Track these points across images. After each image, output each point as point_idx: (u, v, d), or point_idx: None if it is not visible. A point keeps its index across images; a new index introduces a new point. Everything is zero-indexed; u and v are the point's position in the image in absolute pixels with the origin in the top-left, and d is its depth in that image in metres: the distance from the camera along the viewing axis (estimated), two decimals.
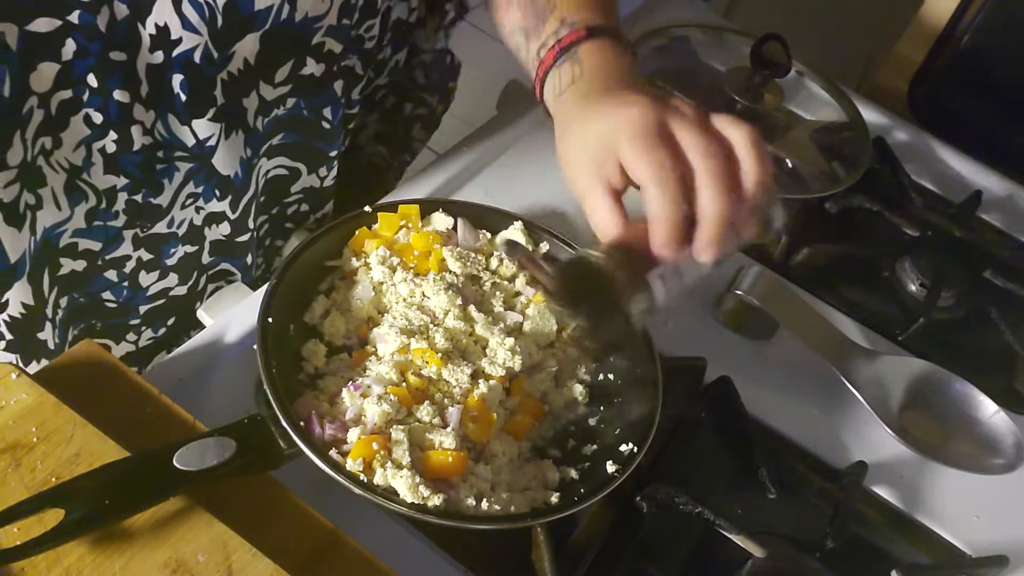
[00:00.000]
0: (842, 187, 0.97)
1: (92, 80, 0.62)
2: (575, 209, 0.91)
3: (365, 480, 0.59)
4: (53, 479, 0.56)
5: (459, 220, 0.76)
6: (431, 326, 0.68)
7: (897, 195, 1.05)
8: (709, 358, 0.78)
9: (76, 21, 0.59)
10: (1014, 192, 1.10)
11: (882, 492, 0.77)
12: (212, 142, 0.70)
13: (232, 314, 0.75)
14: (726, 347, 0.84)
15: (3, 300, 0.72)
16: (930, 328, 0.91)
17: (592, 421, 0.71)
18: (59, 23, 0.59)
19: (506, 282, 0.75)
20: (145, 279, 0.79)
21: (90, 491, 0.53)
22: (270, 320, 0.64)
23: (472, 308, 0.70)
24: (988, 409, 0.80)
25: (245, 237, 0.80)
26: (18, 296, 0.71)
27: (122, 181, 0.70)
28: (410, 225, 0.75)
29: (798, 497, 0.76)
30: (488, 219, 0.78)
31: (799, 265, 0.95)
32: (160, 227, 0.75)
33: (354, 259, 0.73)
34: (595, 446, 0.69)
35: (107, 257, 0.75)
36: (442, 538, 0.65)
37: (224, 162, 0.72)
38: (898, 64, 1.30)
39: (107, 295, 0.78)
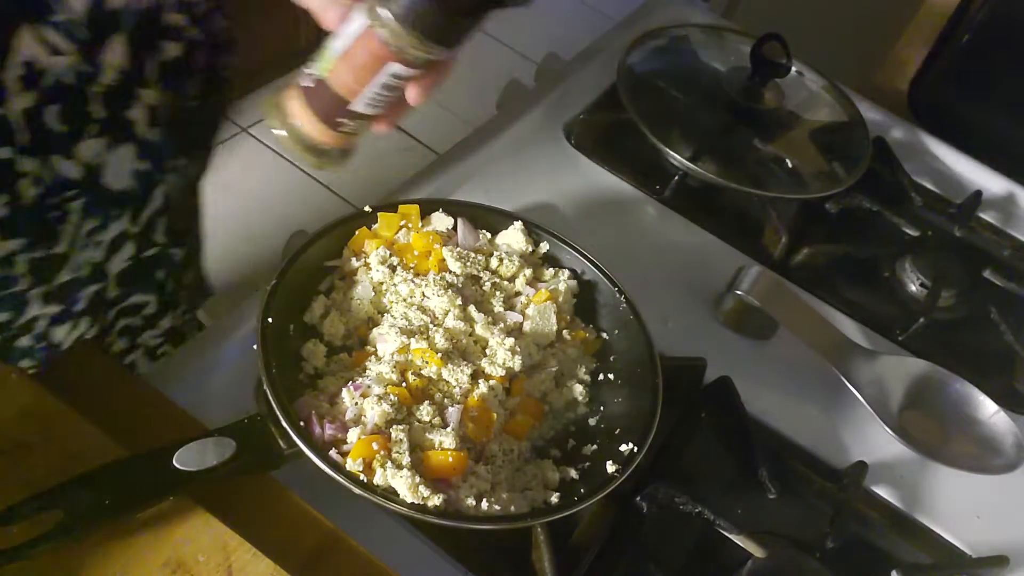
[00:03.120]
0: (842, 187, 0.98)
1: None
2: (574, 209, 0.91)
3: (365, 480, 0.59)
4: (53, 479, 0.56)
5: (459, 220, 0.76)
6: (431, 326, 0.68)
7: (897, 195, 1.05)
8: (709, 358, 0.78)
9: None
10: (1014, 192, 1.10)
11: (882, 492, 0.77)
12: (98, 160, 0.67)
13: (232, 314, 0.75)
14: (726, 347, 0.84)
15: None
16: (930, 328, 0.91)
17: (592, 421, 0.71)
18: None
19: (506, 282, 0.75)
20: (58, 333, 0.76)
21: (90, 491, 0.53)
22: (270, 320, 0.64)
23: (472, 308, 0.70)
24: (988, 409, 0.80)
25: (152, 251, 0.78)
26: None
27: (19, 243, 0.67)
28: (410, 225, 0.75)
29: (798, 497, 0.76)
30: (488, 219, 0.78)
31: (799, 265, 0.95)
32: (64, 275, 0.72)
33: (354, 259, 0.73)
34: (595, 446, 0.69)
35: (17, 324, 0.72)
36: (442, 538, 0.65)
37: (114, 177, 0.69)
38: (898, 64, 1.30)
39: (26, 363, 0.76)
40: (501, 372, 0.68)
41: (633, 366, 0.71)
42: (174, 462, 0.56)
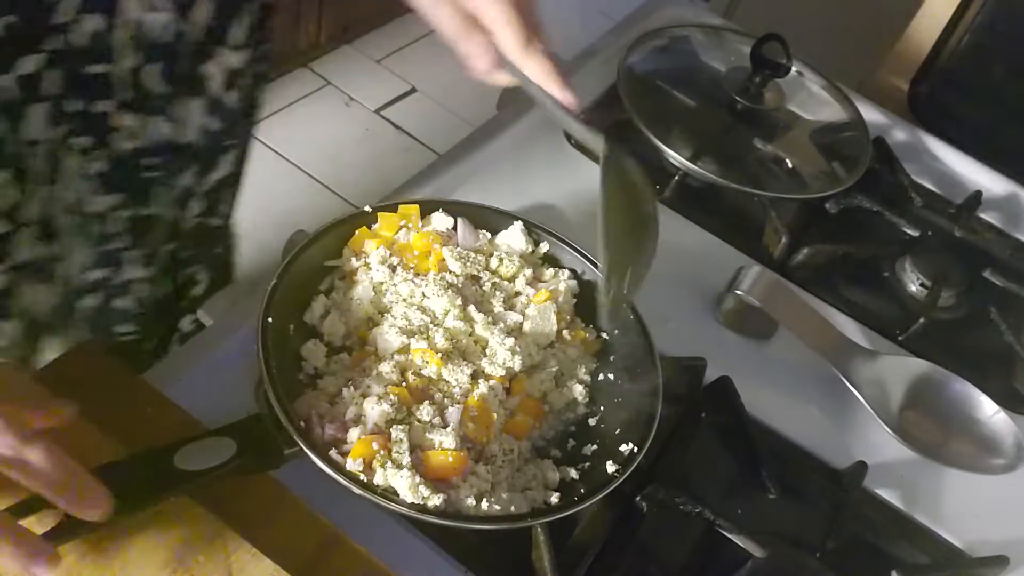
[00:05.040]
0: (842, 187, 0.98)
1: (75, 105, 0.61)
2: (574, 209, 0.91)
3: (365, 480, 0.59)
4: None
5: (459, 220, 0.76)
6: (431, 326, 0.68)
7: (897, 195, 1.05)
8: (709, 358, 0.78)
9: (57, 47, 0.58)
10: (1014, 192, 1.10)
11: (882, 492, 0.77)
12: (182, 114, 0.70)
13: (232, 314, 0.75)
14: (726, 347, 0.84)
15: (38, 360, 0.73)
16: (930, 328, 0.91)
17: (592, 421, 0.71)
18: (40, 58, 0.57)
19: (506, 282, 0.75)
20: (151, 295, 0.79)
21: None
22: (270, 320, 0.64)
23: (472, 308, 0.70)
24: (988, 409, 0.80)
25: (217, 222, 0.81)
26: (51, 352, 0.72)
27: (116, 199, 0.70)
28: (410, 225, 0.75)
29: (798, 497, 0.76)
30: (488, 219, 0.78)
31: (799, 265, 0.95)
32: (157, 236, 0.75)
33: (354, 259, 0.73)
34: (595, 446, 0.69)
35: (113, 283, 0.75)
36: (442, 538, 0.65)
37: (189, 129, 0.71)
38: (898, 64, 1.30)
39: (123, 328, 0.78)
40: (501, 372, 0.68)
41: (634, 366, 0.71)
42: (174, 462, 0.56)
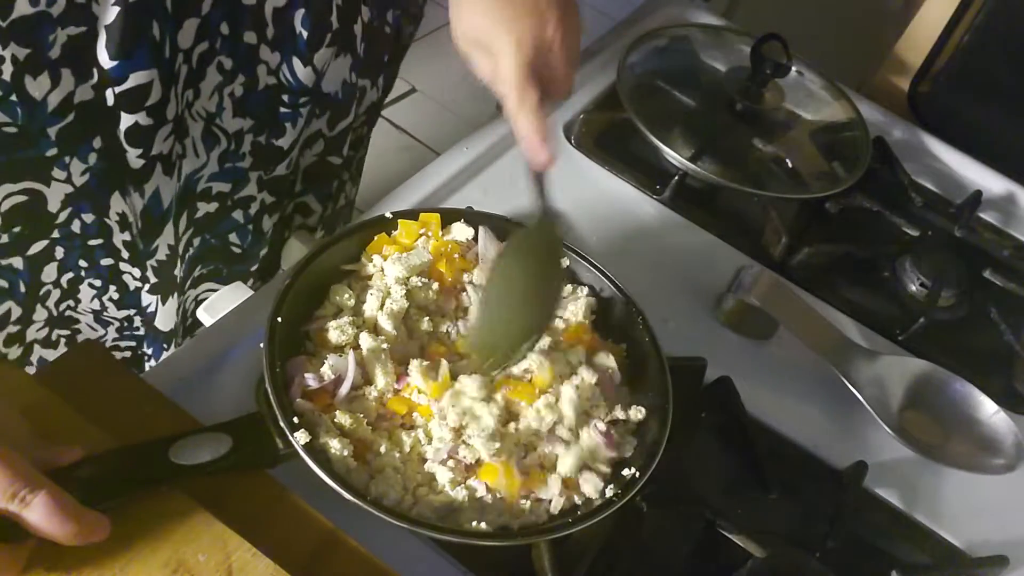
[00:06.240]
0: (842, 187, 0.98)
1: (224, 28, 0.67)
2: (574, 209, 0.90)
3: (355, 466, 0.59)
4: None
5: (480, 230, 0.74)
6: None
7: (897, 195, 1.05)
8: (709, 358, 0.78)
9: None
10: (1014, 192, 1.10)
11: (882, 492, 0.77)
12: (324, 68, 0.73)
13: (233, 314, 0.75)
14: (726, 347, 0.84)
15: (154, 247, 0.77)
16: (930, 328, 0.91)
17: None
18: None
19: None
20: (267, 223, 0.84)
21: (85, 478, 0.53)
22: (279, 320, 0.63)
23: None
24: (988, 409, 0.80)
25: (337, 160, 0.85)
26: (165, 239, 0.77)
27: (248, 123, 0.74)
28: (430, 234, 0.73)
29: (798, 497, 0.76)
30: (510, 231, 0.75)
31: (799, 265, 0.95)
32: (280, 169, 0.80)
33: (371, 264, 0.71)
34: None
35: (235, 197, 0.80)
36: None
37: (329, 82, 0.76)
38: (898, 64, 1.30)
39: (233, 237, 0.83)
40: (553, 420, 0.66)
41: (645, 390, 0.70)
42: (169, 455, 0.56)
